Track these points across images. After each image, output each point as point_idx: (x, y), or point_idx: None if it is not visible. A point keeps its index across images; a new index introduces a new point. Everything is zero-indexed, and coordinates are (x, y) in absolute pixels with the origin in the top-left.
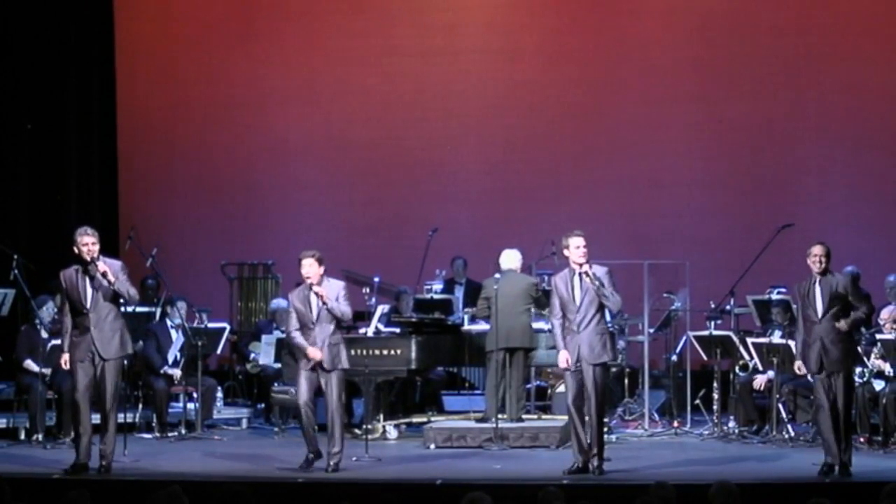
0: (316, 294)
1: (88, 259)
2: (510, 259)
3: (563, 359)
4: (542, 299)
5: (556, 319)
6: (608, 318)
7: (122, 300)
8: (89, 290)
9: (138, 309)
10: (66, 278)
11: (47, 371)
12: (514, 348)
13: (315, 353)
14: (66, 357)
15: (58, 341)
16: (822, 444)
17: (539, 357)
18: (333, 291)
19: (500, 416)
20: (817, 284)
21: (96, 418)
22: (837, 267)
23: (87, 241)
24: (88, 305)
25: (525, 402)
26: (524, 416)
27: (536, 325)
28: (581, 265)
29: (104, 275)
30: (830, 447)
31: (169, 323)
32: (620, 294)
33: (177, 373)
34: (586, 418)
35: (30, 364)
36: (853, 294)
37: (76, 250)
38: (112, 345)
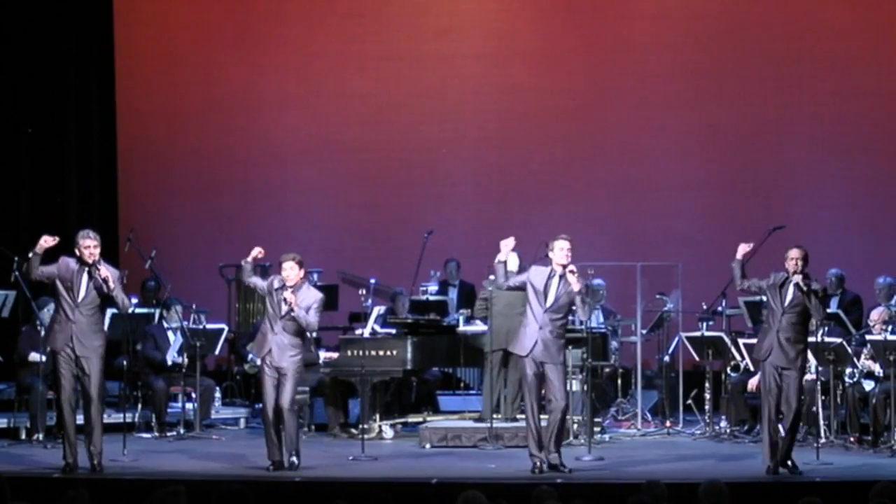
0: (285, 300)
1: (90, 262)
2: (509, 261)
3: (506, 244)
4: None
5: (506, 281)
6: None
7: (115, 306)
8: (83, 287)
9: (138, 310)
10: (63, 264)
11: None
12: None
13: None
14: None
15: None
16: (763, 443)
17: None
18: (308, 300)
19: (495, 415)
20: (791, 285)
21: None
22: (824, 269)
23: (89, 244)
24: (79, 299)
25: (521, 401)
26: (518, 416)
27: None
28: (565, 266)
29: (105, 280)
30: (769, 444)
31: (166, 325)
32: (611, 292)
33: (184, 360)
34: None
35: (34, 356)
36: (815, 299)
37: (77, 252)
38: (90, 342)
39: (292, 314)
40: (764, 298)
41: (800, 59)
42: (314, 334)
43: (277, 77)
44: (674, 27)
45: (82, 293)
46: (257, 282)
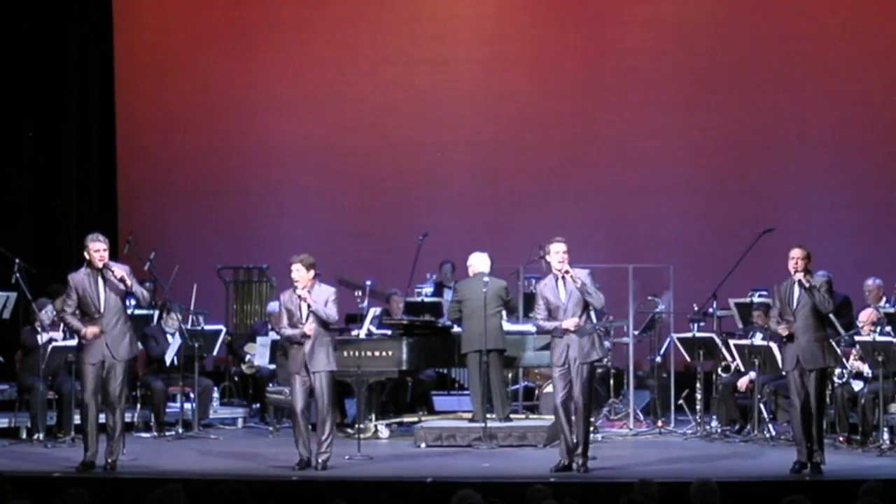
0: (299, 297)
1: (100, 265)
2: (480, 262)
3: (571, 322)
4: (511, 303)
5: (542, 320)
6: (594, 319)
7: (135, 301)
8: (102, 294)
9: (136, 312)
10: (76, 283)
11: (56, 335)
12: (487, 349)
13: (306, 328)
14: (92, 329)
15: (58, 343)
16: (794, 442)
17: (527, 358)
18: (323, 296)
19: (488, 416)
20: (795, 286)
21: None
22: (814, 270)
23: (99, 248)
24: (102, 309)
25: (510, 401)
26: (512, 416)
27: (510, 326)
28: (561, 269)
29: (122, 280)
30: (801, 445)
31: (165, 327)
32: (604, 293)
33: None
34: (572, 417)
35: (40, 338)
36: (819, 293)
37: (87, 256)
38: (122, 346)
39: (311, 310)
40: (756, 300)
41: (790, 64)
42: None
43: (274, 82)
44: (666, 33)
45: (103, 300)
46: (284, 319)
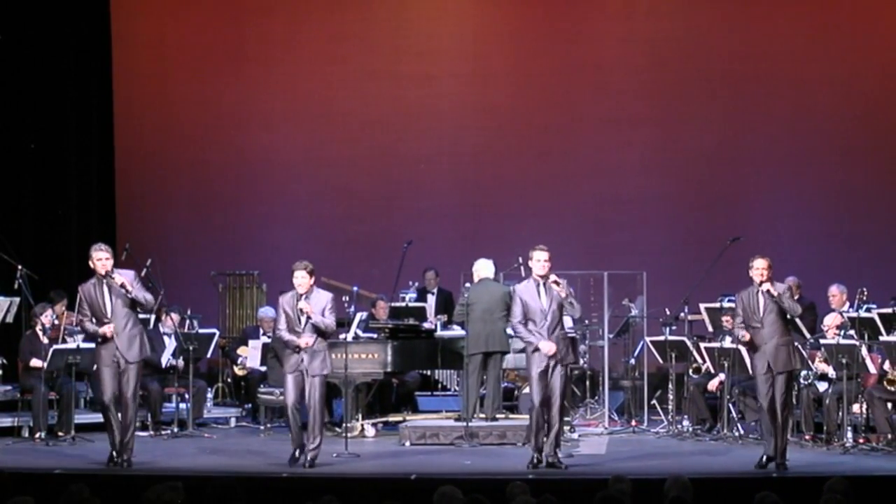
0: (300, 309)
1: (103, 273)
2: (485, 268)
3: (549, 347)
4: None
5: (520, 324)
6: (570, 323)
7: (138, 307)
8: (108, 301)
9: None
10: (85, 293)
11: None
12: (491, 352)
13: (302, 342)
14: (107, 328)
15: (58, 345)
16: (763, 438)
17: (506, 361)
18: (321, 303)
19: (477, 415)
20: (760, 294)
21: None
22: (781, 277)
23: (102, 256)
24: (109, 315)
25: (501, 401)
26: (498, 416)
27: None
28: (543, 276)
29: (122, 286)
30: (770, 439)
31: (162, 329)
32: (579, 302)
33: (179, 363)
34: (552, 414)
35: (35, 362)
36: (786, 299)
37: (91, 265)
38: (133, 349)
39: (311, 321)
40: (725, 305)
41: (758, 79)
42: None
43: (265, 96)
44: (639, 50)
45: (109, 307)
46: (283, 321)
